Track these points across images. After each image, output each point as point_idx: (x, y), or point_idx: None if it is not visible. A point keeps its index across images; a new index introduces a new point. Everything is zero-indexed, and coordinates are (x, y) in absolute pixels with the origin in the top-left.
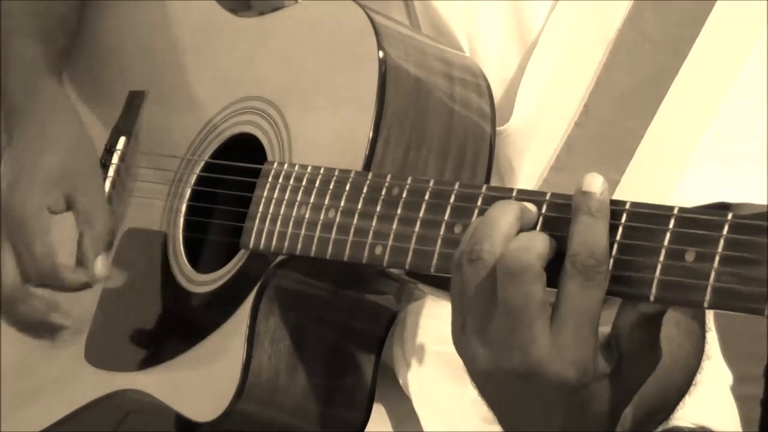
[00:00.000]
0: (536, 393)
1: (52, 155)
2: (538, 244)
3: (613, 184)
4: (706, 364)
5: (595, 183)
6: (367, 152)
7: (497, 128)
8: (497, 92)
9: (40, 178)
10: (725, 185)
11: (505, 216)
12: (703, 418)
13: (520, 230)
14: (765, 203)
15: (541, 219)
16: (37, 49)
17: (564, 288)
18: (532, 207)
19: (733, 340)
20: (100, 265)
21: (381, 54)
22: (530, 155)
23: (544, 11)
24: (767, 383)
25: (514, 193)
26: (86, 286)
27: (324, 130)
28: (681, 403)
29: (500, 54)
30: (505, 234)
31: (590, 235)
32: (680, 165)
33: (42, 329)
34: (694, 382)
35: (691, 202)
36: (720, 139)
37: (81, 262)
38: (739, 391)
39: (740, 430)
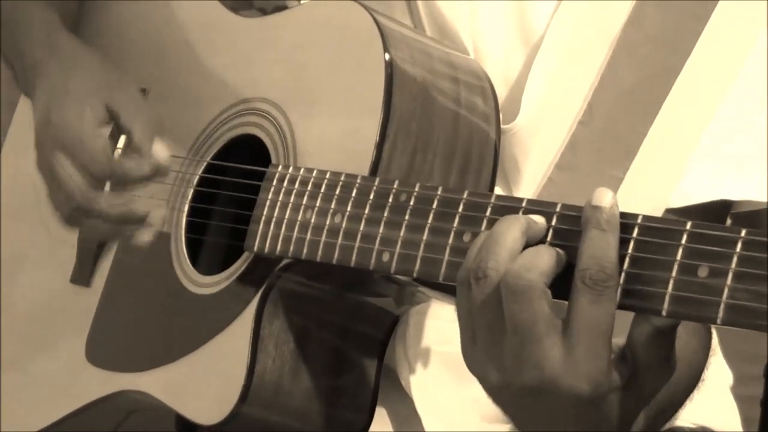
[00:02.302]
0: (550, 406)
1: (80, 75)
2: (542, 261)
3: (616, 181)
4: (712, 360)
5: (604, 197)
6: (374, 156)
7: (503, 127)
8: (502, 92)
9: (74, 94)
10: (726, 183)
11: (510, 232)
12: (703, 418)
13: (527, 244)
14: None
15: (551, 231)
16: (54, 13)
17: (575, 303)
18: (539, 219)
19: (733, 340)
20: (159, 148)
21: (387, 57)
22: (535, 154)
23: (547, 11)
24: (767, 383)
25: (523, 203)
26: (156, 173)
27: (329, 133)
28: (689, 399)
29: (504, 54)
30: (510, 250)
31: (600, 249)
32: (682, 163)
33: (125, 224)
34: (701, 378)
35: (693, 200)
36: (721, 138)
37: (140, 153)
38: (739, 391)
39: (741, 430)
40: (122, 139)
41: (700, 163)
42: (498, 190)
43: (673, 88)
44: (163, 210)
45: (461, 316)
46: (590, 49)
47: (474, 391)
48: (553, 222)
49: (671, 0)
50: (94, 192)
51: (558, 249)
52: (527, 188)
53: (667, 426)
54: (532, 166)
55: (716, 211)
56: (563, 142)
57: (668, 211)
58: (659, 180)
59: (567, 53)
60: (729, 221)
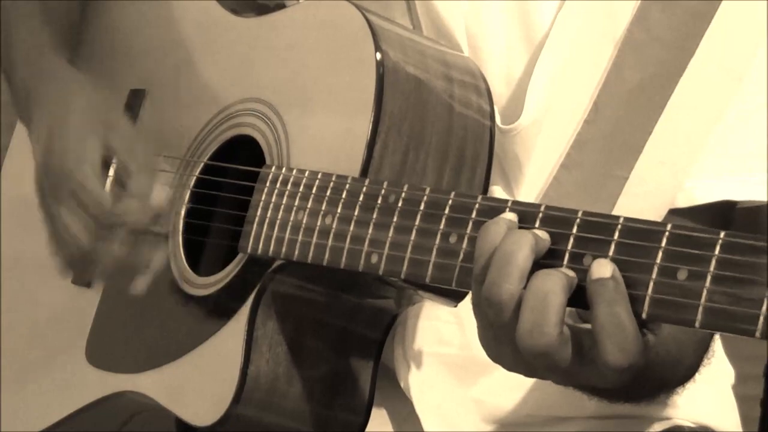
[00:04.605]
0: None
1: (74, 113)
2: (557, 298)
3: (621, 181)
4: (710, 361)
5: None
6: (365, 156)
7: (506, 127)
8: (504, 92)
9: (70, 135)
10: (733, 184)
11: (521, 251)
12: (704, 417)
13: (534, 260)
14: None
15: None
16: (43, 32)
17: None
18: (544, 235)
19: (733, 339)
20: (157, 193)
21: (378, 56)
22: (539, 153)
23: (550, 10)
24: (767, 383)
25: (509, 204)
26: (157, 218)
27: (322, 133)
28: (698, 370)
29: (507, 53)
30: (522, 270)
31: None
32: (688, 162)
33: (133, 266)
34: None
35: (698, 200)
36: (728, 137)
37: (138, 196)
38: (739, 391)
39: (741, 429)
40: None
41: (706, 163)
42: (498, 190)
43: (678, 87)
44: (163, 255)
45: (483, 331)
46: (595, 48)
47: (473, 391)
48: (537, 224)
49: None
50: (95, 243)
51: (569, 272)
52: (530, 188)
53: (668, 426)
54: (536, 166)
55: (721, 212)
56: (569, 142)
57: (672, 211)
58: (664, 180)
59: (572, 52)
60: (736, 216)
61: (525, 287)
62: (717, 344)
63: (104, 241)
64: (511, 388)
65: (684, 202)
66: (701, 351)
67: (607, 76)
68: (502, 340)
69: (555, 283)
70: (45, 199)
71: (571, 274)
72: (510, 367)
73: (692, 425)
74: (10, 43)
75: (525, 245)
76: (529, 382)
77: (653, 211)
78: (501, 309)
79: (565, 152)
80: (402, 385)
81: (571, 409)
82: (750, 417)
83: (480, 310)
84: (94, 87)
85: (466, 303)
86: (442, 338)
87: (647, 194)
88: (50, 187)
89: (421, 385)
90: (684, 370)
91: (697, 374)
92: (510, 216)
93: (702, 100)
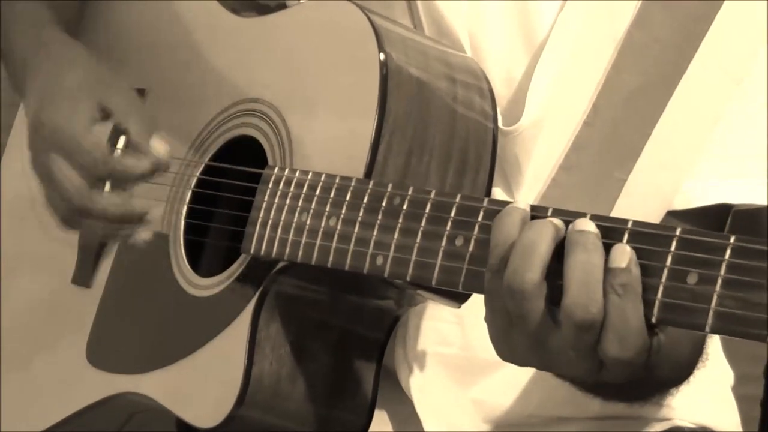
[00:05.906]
0: None
1: (72, 72)
2: (596, 261)
3: (619, 183)
4: (706, 363)
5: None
6: (369, 158)
7: (507, 128)
8: (505, 93)
9: (66, 93)
10: (730, 186)
11: (544, 241)
12: (703, 418)
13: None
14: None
15: None
16: (43, 8)
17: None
18: (560, 224)
19: (734, 339)
20: (157, 143)
21: (382, 57)
22: (538, 155)
23: (550, 11)
24: (767, 383)
25: None
26: (155, 169)
27: (325, 134)
28: (692, 372)
29: (507, 54)
30: (545, 260)
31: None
32: (687, 165)
33: (125, 224)
34: (690, 375)
35: (696, 203)
36: (727, 139)
37: (138, 150)
38: (739, 391)
39: (740, 430)
40: (121, 139)
41: (705, 166)
42: (498, 192)
43: (678, 89)
44: (162, 208)
45: (494, 322)
46: (595, 49)
47: (474, 392)
48: None
49: (677, 1)
50: (93, 192)
51: (588, 228)
52: (529, 189)
53: (668, 426)
54: (535, 167)
55: (717, 215)
56: (568, 143)
57: (670, 213)
58: (663, 182)
59: (572, 54)
60: (730, 219)
61: (563, 264)
62: (712, 346)
63: (101, 195)
64: (512, 389)
65: (681, 204)
66: (696, 352)
67: (607, 77)
68: (519, 329)
69: (592, 246)
70: (39, 156)
71: (591, 229)
72: (522, 360)
73: (692, 426)
74: (10, 19)
75: (547, 235)
76: (530, 382)
77: (652, 213)
78: (523, 297)
79: (564, 154)
80: (403, 385)
81: (572, 409)
82: (750, 417)
83: (496, 302)
84: (91, 55)
85: (468, 303)
86: (443, 339)
87: (646, 196)
88: (44, 143)
89: (422, 385)
90: (679, 370)
91: (691, 376)
92: (523, 206)
93: (702, 102)
